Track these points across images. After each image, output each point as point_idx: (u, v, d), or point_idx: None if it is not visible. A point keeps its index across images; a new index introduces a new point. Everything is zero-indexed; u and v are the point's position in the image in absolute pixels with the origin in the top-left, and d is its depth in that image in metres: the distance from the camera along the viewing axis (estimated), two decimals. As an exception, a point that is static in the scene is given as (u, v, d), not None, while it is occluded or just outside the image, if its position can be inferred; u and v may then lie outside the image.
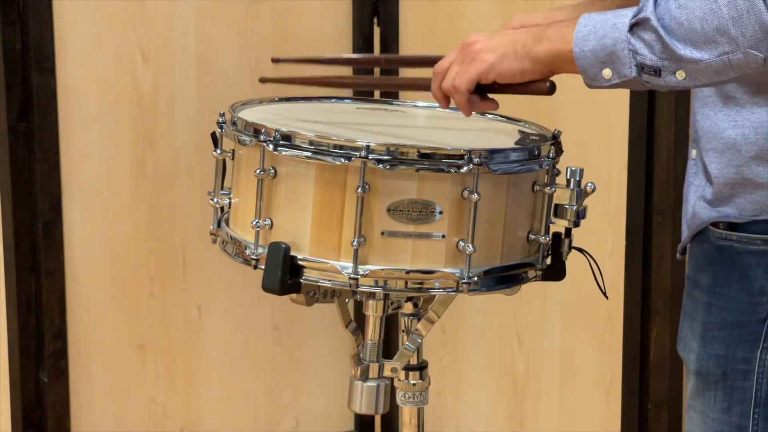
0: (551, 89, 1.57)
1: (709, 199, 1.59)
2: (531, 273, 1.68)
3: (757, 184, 1.54)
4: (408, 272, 1.59)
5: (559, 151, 1.68)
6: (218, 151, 1.73)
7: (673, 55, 1.43)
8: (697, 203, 1.62)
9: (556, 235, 1.69)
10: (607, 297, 1.77)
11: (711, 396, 1.61)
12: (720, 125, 1.57)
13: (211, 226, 1.75)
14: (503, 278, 1.65)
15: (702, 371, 1.61)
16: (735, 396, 1.59)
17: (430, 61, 1.69)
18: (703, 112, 1.59)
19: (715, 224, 1.60)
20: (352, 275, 1.57)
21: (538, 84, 1.57)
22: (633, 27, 1.45)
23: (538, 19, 1.66)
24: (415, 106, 1.96)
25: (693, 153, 1.64)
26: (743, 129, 1.54)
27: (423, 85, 1.66)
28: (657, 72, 1.44)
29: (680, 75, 1.44)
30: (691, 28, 1.41)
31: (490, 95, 1.60)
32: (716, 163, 1.58)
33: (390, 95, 2.95)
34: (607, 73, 1.48)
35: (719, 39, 1.40)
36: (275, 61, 1.86)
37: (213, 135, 1.74)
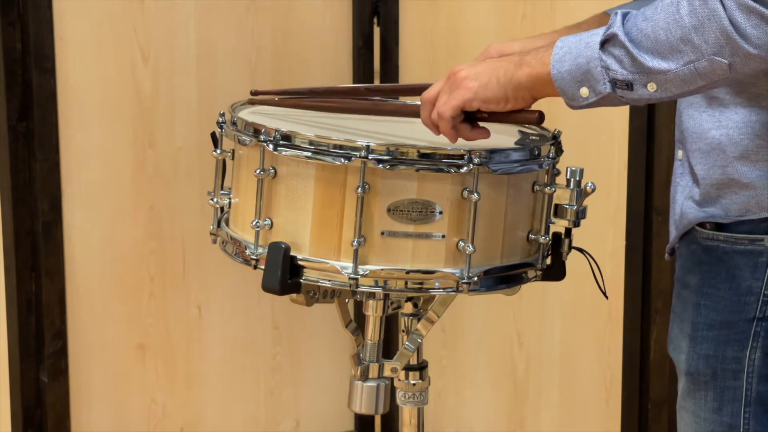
0: (540, 119, 1.59)
1: (696, 199, 1.60)
2: (531, 273, 1.68)
3: (742, 184, 1.55)
4: (408, 272, 1.59)
5: (559, 151, 1.68)
6: (218, 151, 1.73)
7: (642, 67, 1.44)
8: (684, 203, 1.63)
9: (556, 235, 1.69)
10: (607, 297, 1.77)
11: (702, 396, 1.62)
12: (704, 126, 1.58)
13: (211, 226, 1.75)
14: (503, 278, 1.65)
15: (692, 371, 1.62)
16: (725, 396, 1.59)
17: (413, 90, 1.69)
18: (688, 113, 1.61)
19: (702, 224, 1.61)
20: (352, 275, 1.57)
21: (527, 114, 1.59)
22: (604, 44, 1.47)
23: (516, 46, 1.69)
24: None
25: (679, 154, 1.65)
26: (727, 129, 1.55)
27: (413, 112, 1.67)
28: (629, 86, 1.46)
29: (651, 87, 1.45)
30: (657, 39, 1.43)
31: (481, 124, 1.61)
32: (702, 164, 1.58)
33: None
34: (584, 91, 1.49)
35: (684, 48, 1.42)
36: (254, 94, 1.86)
37: (213, 135, 1.74)
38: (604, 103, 1.50)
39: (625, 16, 1.46)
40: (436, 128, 1.61)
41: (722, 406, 1.60)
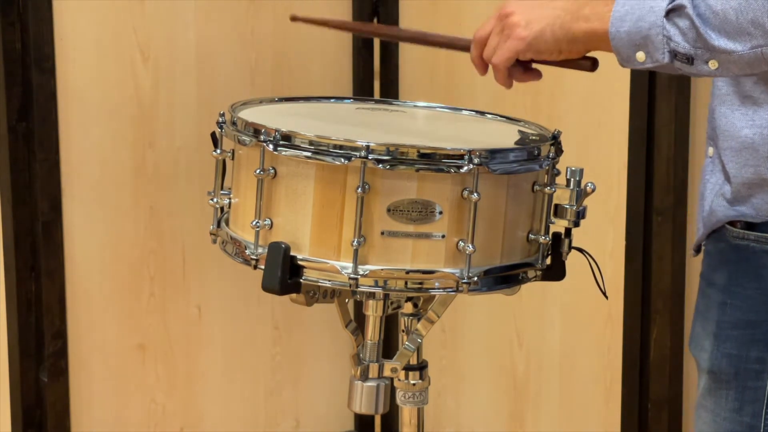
0: (593, 66, 1.58)
1: (727, 197, 1.58)
2: (531, 273, 1.68)
3: None
4: (408, 272, 1.59)
5: (559, 151, 1.68)
6: (218, 151, 1.73)
7: (706, 44, 1.42)
8: (714, 201, 1.60)
9: (556, 235, 1.69)
10: (607, 297, 1.76)
11: (722, 395, 1.60)
12: (737, 124, 1.56)
13: (211, 226, 1.75)
14: (503, 278, 1.65)
15: (714, 370, 1.60)
16: (747, 396, 1.58)
17: (453, 44, 1.69)
18: (721, 111, 1.58)
19: (732, 223, 1.58)
20: (352, 275, 1.57)
21: (581, 62, 1.58)
22: (669, 12, 1.44)
23: None
24: (415, 106, 1.96)
25: (710, 151, 1.63)
26: (760, 128, 1.53)
27: (462, 47, 1.66)
28: (690, 60, 1.44)
29: (713, 65, 1.44)
30: (726, 19, 1.41)
31: (534, 65, 1.60)
32: (733, 163, 1.56)
33: (390, 94, 2.96)
34: (640, 56, 1.48)
35: (753, 31, 1.40)
36: (294, 19, 1.86)
37: (213, 135, 1.74)
38: (659, 70, 1.49)
39: None
40: (483, 68, 1.61)
41: (743, 406, 1.58)
